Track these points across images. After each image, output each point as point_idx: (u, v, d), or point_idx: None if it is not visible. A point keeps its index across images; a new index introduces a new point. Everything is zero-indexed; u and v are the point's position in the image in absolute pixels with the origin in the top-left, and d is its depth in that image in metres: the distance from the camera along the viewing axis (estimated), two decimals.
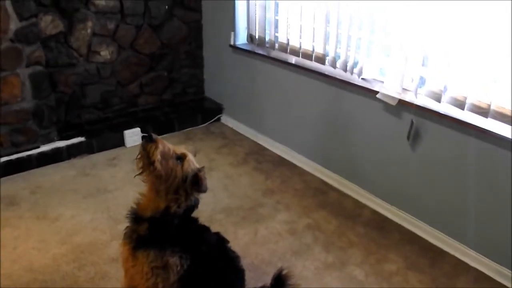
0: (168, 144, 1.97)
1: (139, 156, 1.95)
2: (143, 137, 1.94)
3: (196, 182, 1.98)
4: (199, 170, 2.00)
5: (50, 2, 3.93)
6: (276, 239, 3.12)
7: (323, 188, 3.75)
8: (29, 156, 3.93)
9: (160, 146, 1.91)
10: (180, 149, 2.01)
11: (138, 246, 2.00)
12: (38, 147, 3.99)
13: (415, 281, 2.77)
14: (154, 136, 1.92)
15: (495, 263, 2.80)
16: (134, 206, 2.06)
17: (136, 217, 2.04)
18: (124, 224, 2.11)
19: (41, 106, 3.90)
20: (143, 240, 1.99)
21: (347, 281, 2.76)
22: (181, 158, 1.97)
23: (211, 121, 4.95)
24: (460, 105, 2.75)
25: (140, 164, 1.95)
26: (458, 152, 2.85)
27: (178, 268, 1.98)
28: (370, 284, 2.75)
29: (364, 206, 3.50)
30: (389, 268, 2.88)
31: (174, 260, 1.97)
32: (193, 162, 2.01)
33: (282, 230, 3.21)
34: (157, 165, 1.89)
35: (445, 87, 2.84)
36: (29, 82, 3.76)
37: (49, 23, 3.99)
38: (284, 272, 2.37)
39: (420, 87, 2.98)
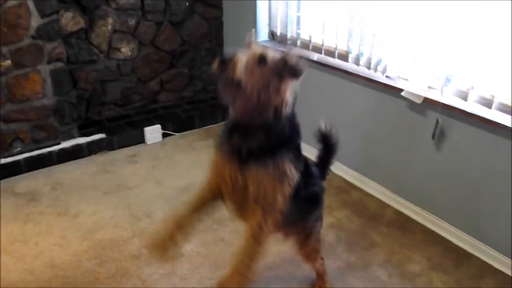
0: (247, 51, 1.71)
1: (220, 82, 1.71)
2: (220, 62, 1.69)
3: (290, 69, 1.70)
4: (285, 57, 1.71)
5: None
6: None
7: (345, 187, 3.70)
8: (50, 152, 3.94)
9: (240, 60, 1.67)
10: (258, 49, 1.73)
11: (249, 159, 1.76)
12: (59, 143, 4.00)
13: (439, 283, 2.72)
14: (228, 55, 1.69)
15: None
16: (230, 120, 1.81)
17: (241, 128, 1.78)
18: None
19: (62, 103, 3.90)
20: (255, 151, 1.75)
21: (370, 282, 2.73)
22: (263, 60, 1.69)
23: None
24: (488, 104, 2.69)
25: (223, 87, 1.72)
26: (485, 152, 2.78)
27: (295, 178, 1.81)
28: (394, 285, 2.71)
29: (387, 206, 3.44)
30: (413, 268, 2.83)
31: (292, 170, 1.79)
32: (275, 56, 1.72)
33: None
34: (246, 84, 1.66)
35: (472, 86, 2.78)
36: (50, 79, 3.77)
37: (70, 20, 3.99)
38: (323, 128, 2.35)
39: (446, 85, 2.92)
